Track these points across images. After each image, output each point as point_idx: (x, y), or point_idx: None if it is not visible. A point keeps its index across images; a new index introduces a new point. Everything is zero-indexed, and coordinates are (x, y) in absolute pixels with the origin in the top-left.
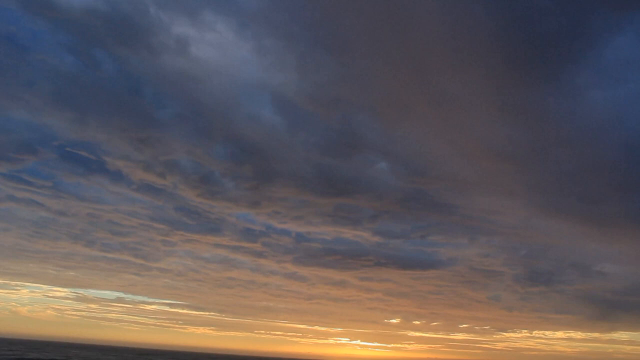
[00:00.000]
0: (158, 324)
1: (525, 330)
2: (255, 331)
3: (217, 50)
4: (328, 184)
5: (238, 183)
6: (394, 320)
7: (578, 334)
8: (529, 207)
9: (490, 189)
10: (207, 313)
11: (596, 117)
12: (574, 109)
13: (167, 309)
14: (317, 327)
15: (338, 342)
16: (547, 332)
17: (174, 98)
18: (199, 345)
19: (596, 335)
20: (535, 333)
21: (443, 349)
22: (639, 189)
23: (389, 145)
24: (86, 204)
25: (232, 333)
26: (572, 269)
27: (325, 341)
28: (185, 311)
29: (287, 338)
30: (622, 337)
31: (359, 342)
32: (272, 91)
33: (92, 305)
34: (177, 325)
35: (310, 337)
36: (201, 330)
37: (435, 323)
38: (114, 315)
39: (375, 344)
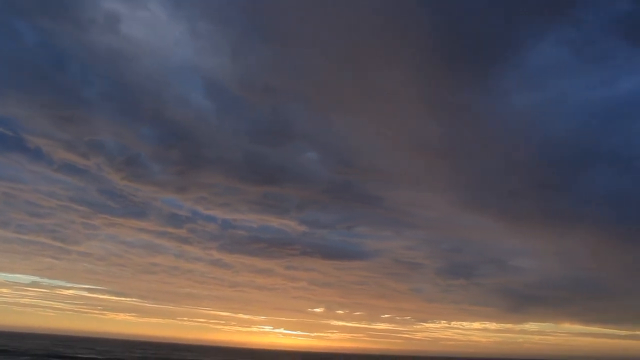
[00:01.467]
0: (76, 309)
1: (444, 321)
2: (178, 318)
3: (148, 29)
4: (256, 172)
5: (165, 167)
6: (317, 310)
7: (493, 325)
8: (453, 202)
9: (416, 183)
10: (128, 299)
11: (518, 118)
12: (498, 110)
13: (85, 294)
14: (240, 315)
15: (261, 330)
16: (464, 323)
17: (101, 76)
18: (118, 332)
19: (509, 326)
20: (454, 324)
21: (365, 339)
22: (555, 187)
23: (319, 135)
24: (2, 183)
25: (154, 320)
26: (490, 263)
27: (249, 329)
28: (105, 297)
29: (210, 325)
30: (532, 327)
31: (282, 330)
32: (204, 75)
33: (4, 290)
34: (95, 311)
35: (234, 325)
36: (121, 316)
37: (358, 313)
38: (27, 300)
39: (299, 332)
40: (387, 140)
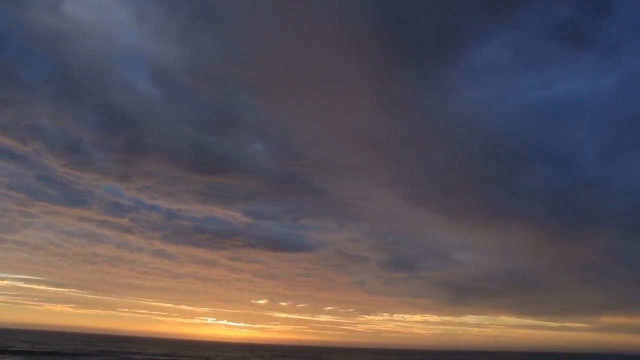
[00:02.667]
0: (10, 300)
1: (387, 314)
2: (119, 309)
3: (93, 11)
4: (202, 161)
5: (108, 154)
6: (261, 301)
7: (433, 317)
8: (397, 196)
9: (361, 177)
10: (67, 290)
11: (462, 115)
12: (444, 106)
13: (21, 284)
14: (183, 307)
15: (204, 321)
16: (406, 316)
17: (42, 57)
18: (56, 324)
19: (449, 318)
20: (395, 316)
21: (308, 330)
22: (496, 184)
23: (266, 126)
24: None
25: (94, 311)
26: (432, 257)
27: (192, 321)
28: (42, 287)
29: (152, 317)
30: (470, 320)
31: (225, 322)
32: (150, 61)
33: None
34: (32, 302)
35: (176, 317)
36: (59, 307)
37: (301, 305)
38: None
39: (242, 324)
40: (334, 132)
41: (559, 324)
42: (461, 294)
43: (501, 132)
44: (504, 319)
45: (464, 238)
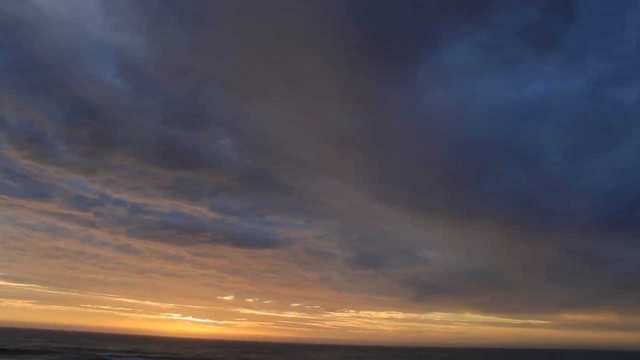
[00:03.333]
0: None
1: (353, 310)
2: (82, 305)
3: (60, 0)
4: (169, 156)
5: (72, 147)
6: (227, 298)
7: (399, 314)
8: (365, 193)
9: (330, 173)
10: (28, 285)
11: (432, 114)
12: (413, 105)
13: None
14: (148, 302)
15: (169, 317)
16: (372, 312)
17: (5, 46)
18: (16, 320)
19: (414, 315)
20: (362, 313)
21: (274, 327)
22: (463, 183)
23: (235, 121)
24: None
25: (56, 307)
26: (399, 254)
27: (156, 317)
28: (1, 282)
29: (116, 313)
30: (435, 317)
31: (190, 318)
32: (117, 52)
33: None
34: None
35: (141, 312)
36: (19, 303)
37: (267, 301)
38: None
39: (207, 320)
40: (303, 129)
41: (522, 321)
42: (427, 291)
43: (469, 131)
44: (469, 316)
45: (431, 236)
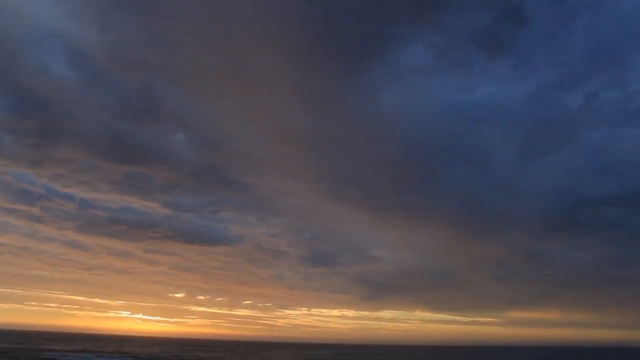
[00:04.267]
0: None
1: (305, 308)
2: (26, 303)
3: None
4: (120, 150)
5: (18, 139)
6: (178, 295)
7: (351, 312)
8: (318, 191)
9: (283, 171)
10: None
11: (386, 114)
12: (367, 105)
13: None
14: (96, 300)
15: (118, 315)
16: (324, 310)
17: None
18: None
19: (366, 313)
20: (314, 311)
21: (226, 325)
22: (415, 183)
23: (188, 116)
24: None
25: None
26: (351, 253)
27: (105, 314)
28: None
29: (63, 310)
30: (387, 315)
31: (140, 315)
32: (68, 43)
33: None
34: None
35: (89, 310)
36: None
37: (219, 299)
38: None
39: (158, 318)
40: (257, 126)
41: (470, 319)
42: (378, 289)
43: (421, 132)
44: (420, 314)
45: (383, 235)
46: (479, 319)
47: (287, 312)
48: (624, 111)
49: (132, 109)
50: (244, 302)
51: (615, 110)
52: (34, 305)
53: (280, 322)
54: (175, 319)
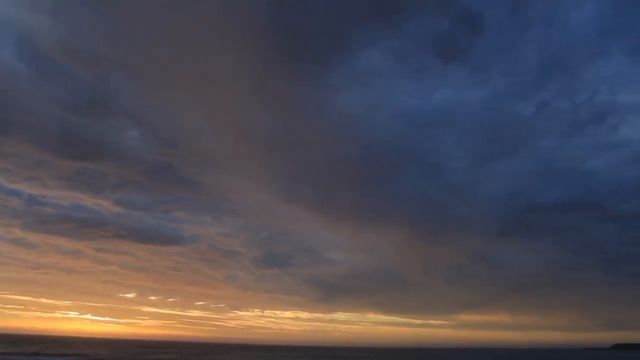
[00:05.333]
0: None
1: (258, 310)
2: None
3: None
4: (71, 145)
5: None
6: (129, 295)
7: (304, 314)
8: (273, 192)
9: (238, 171)
10: None
11: (342, 116)
12: (324, 107)
13: None
14: (43, 300)
15: (66, 316)
16: (277, 312)
17: None
18: None
19: (319, 315)
20: (267, 312)
21: (178, 326)
22: (369, 185)
23: (143, 113)
24: None
25: None
26: (305, 254)
27: (52, 315)
28: None
29: (6, 311)
30: (340, 317)
31: (89, 316)
32: (18, 32)
33: None
34: None
35: (34, 311)
36: None
37: (171, 299)
38: None
39: (108, 318)
40: (213, 125)
41: (422, 321)
42: (332, 291)
43: (377, 135)
44: (372, 316)
45: (337, 237)
46: (430, 321)
47: (240, 313)
48: (573, 120)
49: (85, 103)
50: (197, 303)
51: (564, 119)
52: None
53: (233, 323)
54: (125, 320)
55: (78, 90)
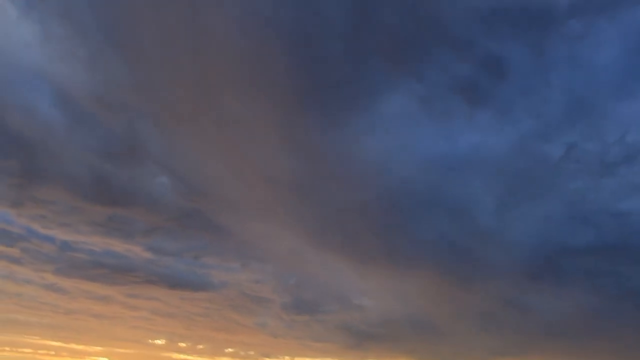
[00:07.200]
0: None
1: (288, 357)
2: None
3: None
4: (103, 192)
5: (0, 178)
6: (158, 341)
7: None
8: (301, 238)
9: (266, 216)
10: None
11: (367, 161)
12: (350, 151)
13: None
14: (73, 345)
15: None
16: (307, 359)
17: None
18: None
19: None
20: (297, 359)
21: None
22: (397, 230)
23: (172, 159)
24: None
25: None
26: (334, 300)
27: None
28: None
29: (38, 356)
30: None
31: None
32: (54, 83)
33: None
34: None
35: (65, 356)
36: None
37: (200, 346)
38: None
39: None
40: (239, 170)
41: None
42: (362, 338)
43: (404, 180)
44: None
45: (366, 282)
46: None
47: None
48: (604, 161)
49: (116, 151)
50: (226, 350)
51: (594, 160)
52: (6, 350)
53: None
54: None
55: (109, 138)
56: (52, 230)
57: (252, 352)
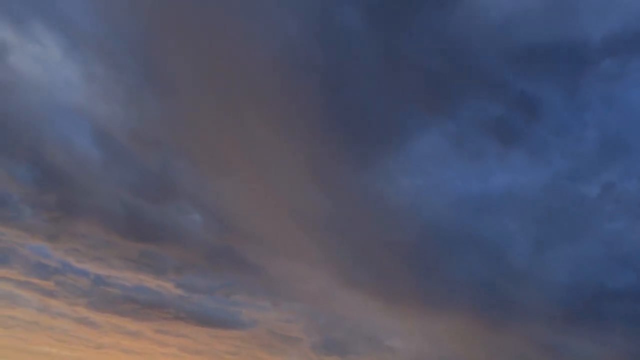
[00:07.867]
0: None
1: None
2: None
3: (38, 64)
4: (136, 228)
5: (37, 211)
6: None
7: None
8: (332, 277)
9: (295, 255)
10: None
11: (400, 201)
12: (381, 191)
13: None
14: None
15: None
16: None
17: None
18: None
19: None
20: None
21: None
22: (430, 271)
23: (204, 196)
24: None
25: None
26: (365, 341)
27: None
28: None
29: None
30: None
31: None
32: (93, 121)
33: None
34: None
35: None
36: None
37: None
38: None
39: None
40: (271, 209)
41: None
42: None
43: (436, 219)
44: None
45: (397, 323)
46: None
47: None
48: None
49: (150, 188)
50: None
51: (632, 200)
52: None
53: None
54: None
55: (144, 174)
56: (86, 264)
57: None
